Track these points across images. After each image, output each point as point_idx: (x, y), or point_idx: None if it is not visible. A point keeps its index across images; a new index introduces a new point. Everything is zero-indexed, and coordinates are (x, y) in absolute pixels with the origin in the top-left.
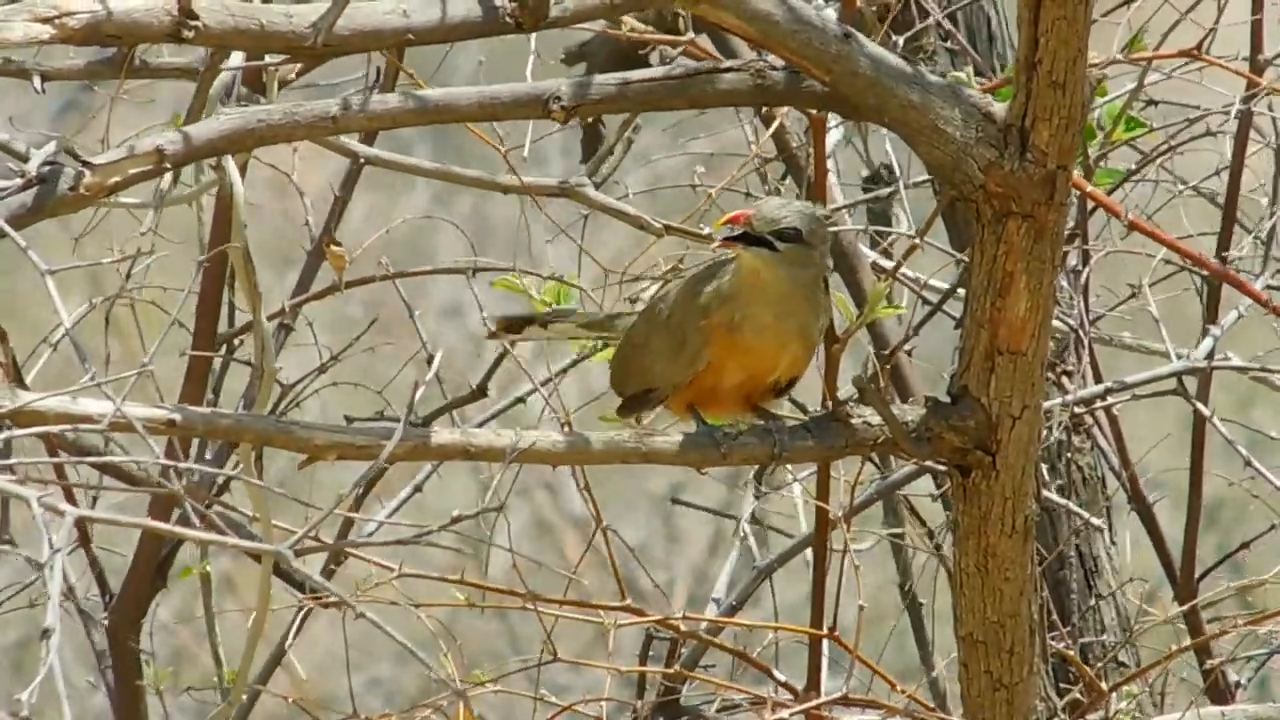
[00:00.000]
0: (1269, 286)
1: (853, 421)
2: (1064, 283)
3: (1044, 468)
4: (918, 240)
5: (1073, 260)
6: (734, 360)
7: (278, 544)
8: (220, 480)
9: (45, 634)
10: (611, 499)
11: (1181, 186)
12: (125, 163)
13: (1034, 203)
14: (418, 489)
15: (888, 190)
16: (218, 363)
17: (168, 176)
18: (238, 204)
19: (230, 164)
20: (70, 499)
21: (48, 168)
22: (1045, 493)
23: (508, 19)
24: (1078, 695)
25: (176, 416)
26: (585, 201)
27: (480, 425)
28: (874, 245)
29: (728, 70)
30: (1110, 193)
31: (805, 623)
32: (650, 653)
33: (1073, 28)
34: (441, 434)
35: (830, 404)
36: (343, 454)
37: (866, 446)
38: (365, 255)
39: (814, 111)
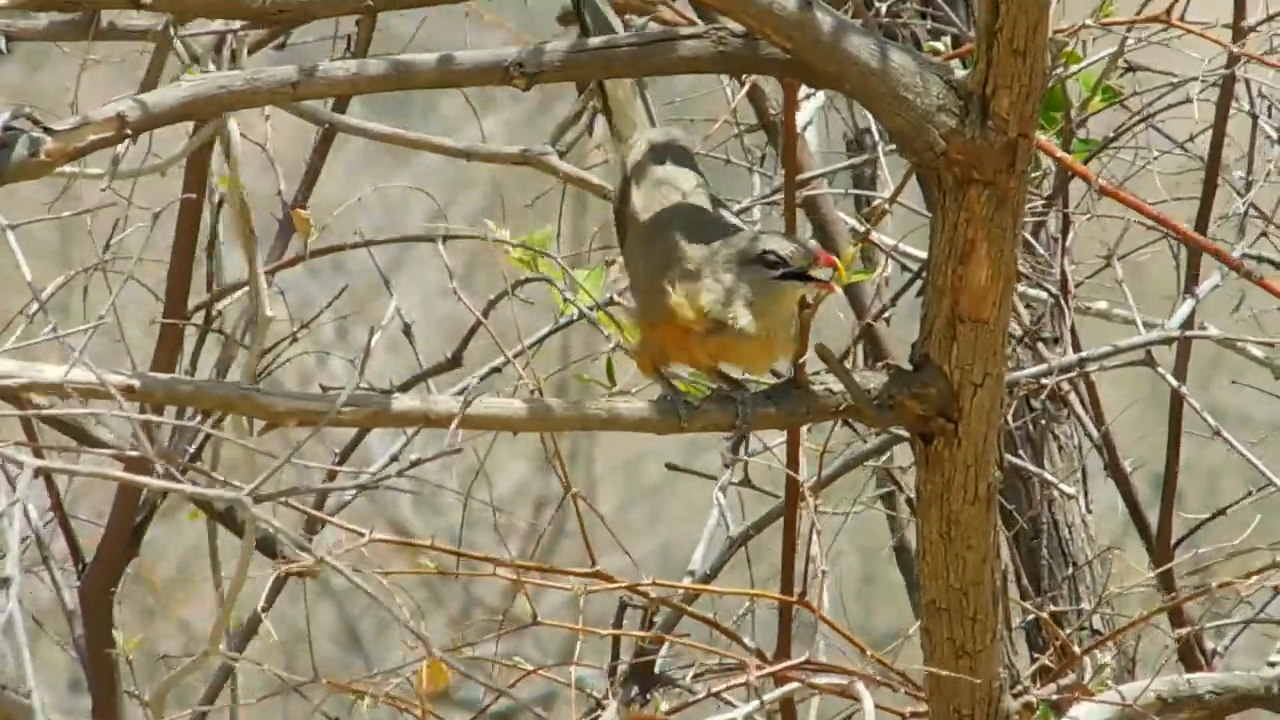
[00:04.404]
0: (1246, 255)
1: (814, 388)
2: (1042, 250)
3: (1019, 436)
4: (887, 205)
5: (1052, 227)
6: (698, 349)
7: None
8: (192, 449)
9: (4, 583)
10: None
11: (1157, 153)
12: (86, 128)
13: (995, 170)
14: (393, 459)
15: (863, 158)
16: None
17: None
18: (234, 152)
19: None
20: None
21: (8, 132)
22: (1019, 461)
23: None
24: (1046, 662)
25: (135, 383)
26: (548, 170)
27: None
28: (858, 210)
29: (689, 37)
30: (1087, 160)
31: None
32: (625, 621)
33: None
34: (402, 400)
35: (793, 370)
36: (303, 420)
37: (829, 413)
38: (338, 224)
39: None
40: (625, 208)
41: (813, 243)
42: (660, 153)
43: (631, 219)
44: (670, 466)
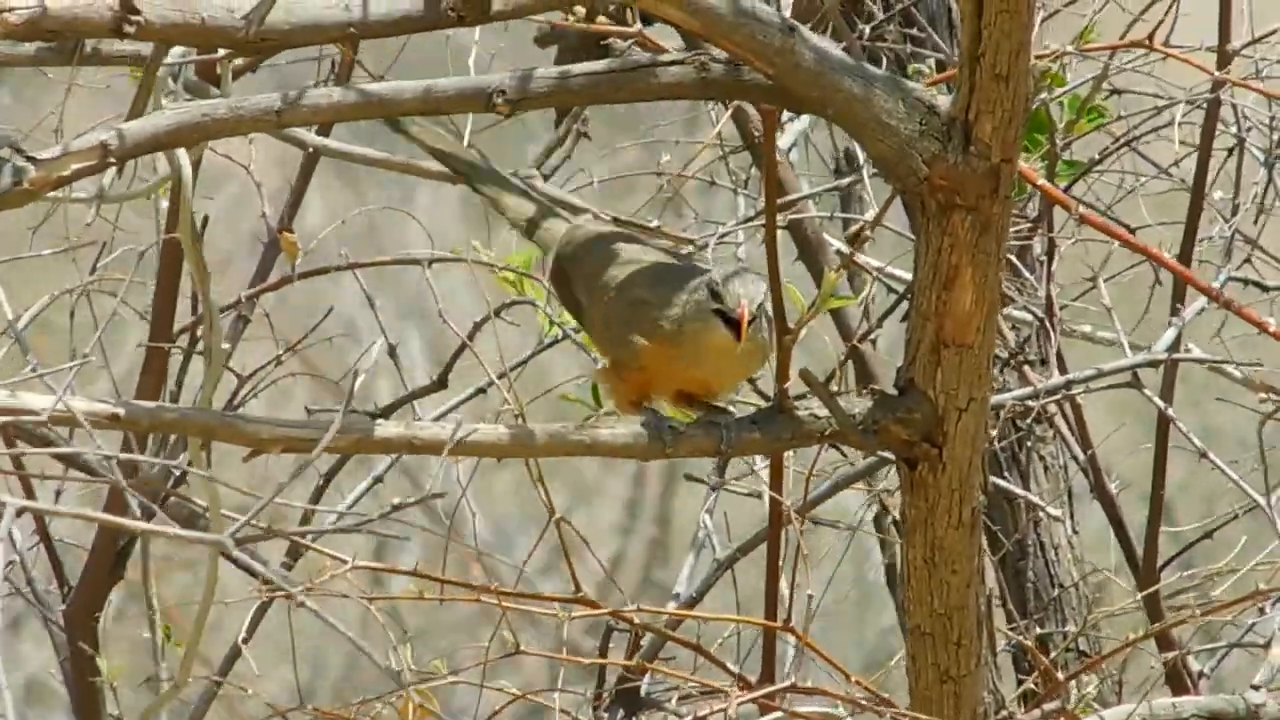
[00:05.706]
0: (1232, 278)
1: (799, 413)
2: (1027, 272)
3: (1005, 457)
4: (867, 231)
5: (1037, 249)
6: (670, 377)
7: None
8: (177, 472)
9: None
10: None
11: (1143, 178)
12: (69, 158)
13: (978, 196)
14: (378, 480)
15: (848, 180)
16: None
17: (122, 171)
18: (185, 186)
19: (181, 152)
20: (28, 489)
21: None
22: (1005, 483)
23: (450, 12)
24: (1032, 686)
25: (120, 411)
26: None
27: (439, 418)
28: (844, 231)
29: (671, 63)
30: (1071, 184)
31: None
32: (610, 645)
33: (1015, 20)
34: (386, 427)
35: (777, 395)
36: (288, 447)
37: (814, 438)
38: (324, 247)
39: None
40: (574, 288)
41: (741, 296)
42: (613, 238)
43: (595, 291)
44: (689, 477)
